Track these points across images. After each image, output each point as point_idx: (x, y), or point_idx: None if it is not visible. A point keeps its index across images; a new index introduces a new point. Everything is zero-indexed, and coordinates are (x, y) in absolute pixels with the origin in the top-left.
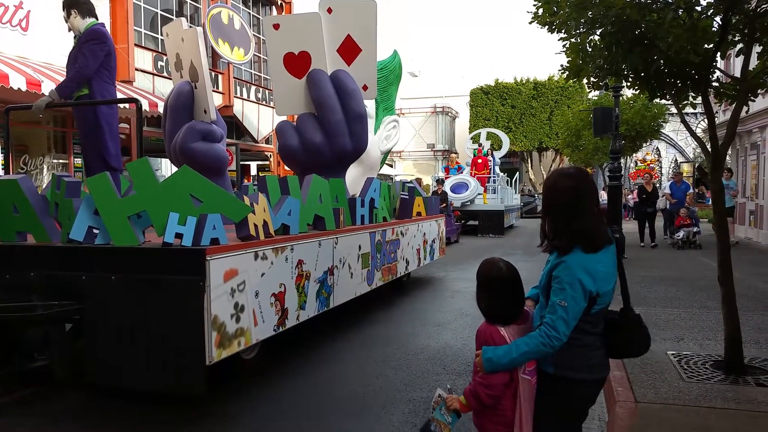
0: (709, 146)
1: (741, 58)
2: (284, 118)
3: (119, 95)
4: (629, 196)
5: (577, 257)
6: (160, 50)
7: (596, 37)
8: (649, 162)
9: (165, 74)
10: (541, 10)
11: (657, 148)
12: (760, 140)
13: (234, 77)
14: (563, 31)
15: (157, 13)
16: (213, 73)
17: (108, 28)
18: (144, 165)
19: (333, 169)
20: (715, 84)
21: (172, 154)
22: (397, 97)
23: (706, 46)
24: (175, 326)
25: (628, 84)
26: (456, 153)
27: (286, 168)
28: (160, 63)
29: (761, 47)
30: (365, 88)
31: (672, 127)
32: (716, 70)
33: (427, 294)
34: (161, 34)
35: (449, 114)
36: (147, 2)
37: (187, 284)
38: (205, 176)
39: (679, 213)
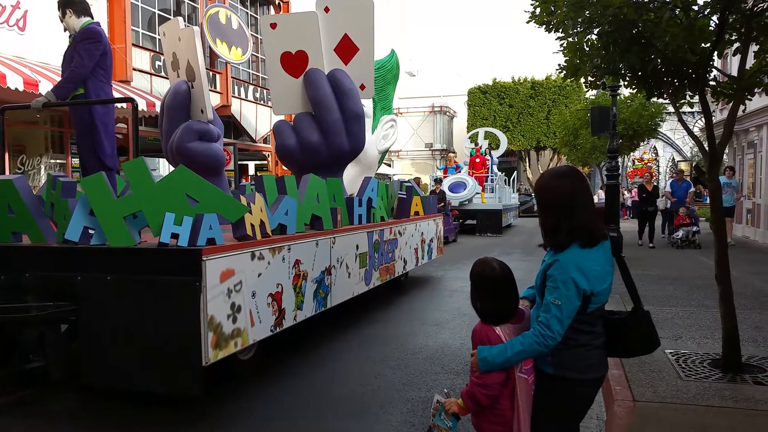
0: (706, 145)
1: (738, 57)
2: (282, 117)
3: (116, 95)
4: (626, 195)
5: (571, 255)
6: (157, 50)
7: (593, 37)
8: (646, 161)
9: (162, 74)
10: (538, 10)
11: (654, 147)
12: (757, 139)
13: (232, 77)
14: (561, 30)
15: (154, 12)
16: (211, 73)
17: (105, 27)
18: (140, 165)
19: (330, 169)
20: (712, 83)
21: (169, 154)
22: (394, 97)
23: (703, 45)
24: (171, 327)
25: (626, 83)
26: (454, 152)
27: (284, 168)
28: (157, 63)
29: (758, 46)
30: (362, 87)
31: (669, 126)
32: (713, 69)
33: (425, 293)
34: (159, 34)
35: (447, 113)
36: (144, 2)
37: (183, 285)
38: (202, 176)
39: (678, 212)
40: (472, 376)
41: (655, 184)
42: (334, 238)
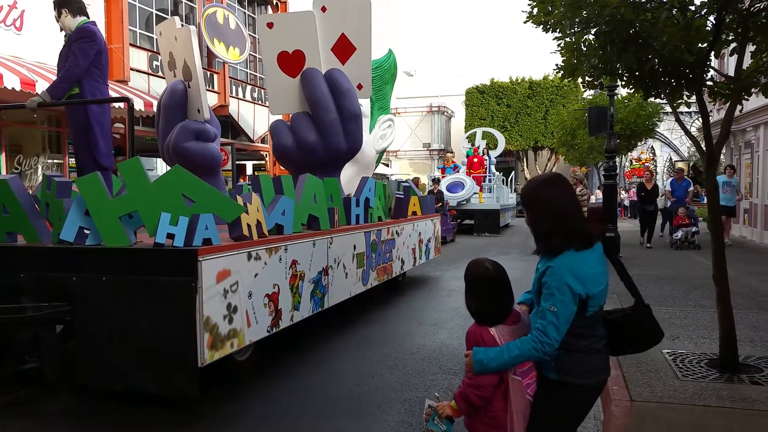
0: (703, 145)
1: (735, 57)
2: (280, 117)
3: (114, 95)
4: (624, 195)
5: (564, 260)
6: (155, 50)
7: (591, 37)
8: (644, 161)
9: (160, 74)
10: (536, 10)
11: (652, 147)
12: (754, 139)
13: (229, 77)
14: (558, 30)
15: (152, 12)
16: (208, 73)
17: (102, 27)
18: (135, 165)
19: (328, 169)
20: (709, 83)
21: (166, 154)
22: (392, 97)
23: (700, 45)
24: (166, 328)
25: (623, 83)
26: (452, 152)
27: (281, 168)
28: (155, 63)
29: (755, 46)
30: (360, 87)
31: (667, 126)
32: (710, 69)
33: (422, 293)
34: (155, 34)
35: (445, 113)
36: (142, 2)
37: (179, 285)
38: (199, 176)
39: (677, 212)
40: (465, 377)
41: (655, 182)
42: (332, 238)
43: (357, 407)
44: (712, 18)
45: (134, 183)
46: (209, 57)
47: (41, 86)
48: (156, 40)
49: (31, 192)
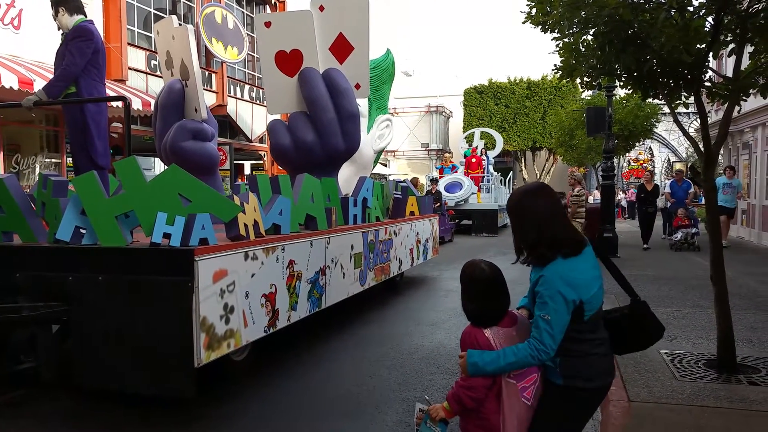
0: (701, 146)
1: (733, 58)
2: (278, 116)
3: (112, 94)
4: (621, 196)
5: (555, 269)
6: (153, 49)
7: (589, 37)
8: (642, 162)
9: (158, 73)
10: (534, 10)
11: (650, 147)
12: (752, 140)
13: (228, 76)
14: (556, 30)
15: (150, 12)
16: (207, 73)
17: (101, 26)
18: (131, 164)
19: (325, 168)
20: (707, 84)
21: (163, 153)
22: (390, 96)
23: (698, 46)
24: (163, 328)
25: (621, 84)
26: (450, 152)
27: (280, 167)
28: (153, 62)
29: (753, 47)
30: (358, 86)
31: (665, 127)
32: (708, 70)
33: (420, 293)
34: (154, 33)
35: (443, 113)
36: (140, 1)
37: (176, 285)
38: (196, 175)
39: (677, 213)
40: (459, 378)
41: (655, 183)
42: (329, 238)
43: (355, 407)
44: (710, 19)
45: (131, 182)
46: (207, 56)
47: (39, 85)
48: (154, 39)
49: (28, 191)
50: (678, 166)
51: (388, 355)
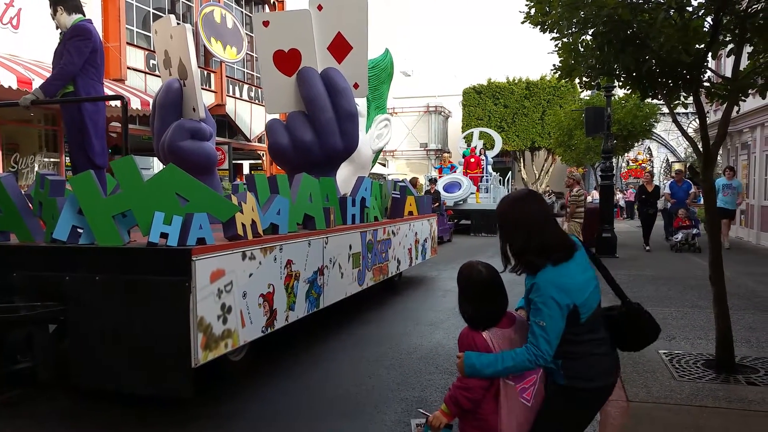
0: (700, 146)
1: (732, 58)
2: (276, 116)
3: (110, 93)
4: (619, 196)
5: (547, 275)
6: (152, 49)
7: (588, 37)
8: (640, 162)
9: (157, 73)
10: (533, 10)
11: (648, 147)
12: (751, 140)
13: (226, 76)
14: (555, 30)
15: (149, 11)
16: (205, 72)
17: (99, 26)
18: (129, 163)
19: (323, 168)
20: (706, 84)
21: (161, 153)
22: (389, 96)
23: (697, 46)
24: (160, 328)
25: (620, 84)
26: (449, 152)
27: (278, 167)
28: (152, 61)
29: (752, 47)
30: (356, 86)
31: (663, 127)
32: (707, 70)
33: (419, 293)
34: (152, 32)
35: (442, 113)
36: (139, 0)
37: (173, 285)
38: (194, 175)
39: (677, 214)
40: (456, 379)
41: (656, 184)
42: (327, 238)
43: (354, 407)
44: (709, 19)
45: (128, 182)
46: (206, 56)
47: (38, 85)
48: (152, 38)
49: (26, 190)
50: (677, 166)
51: (387, 354)
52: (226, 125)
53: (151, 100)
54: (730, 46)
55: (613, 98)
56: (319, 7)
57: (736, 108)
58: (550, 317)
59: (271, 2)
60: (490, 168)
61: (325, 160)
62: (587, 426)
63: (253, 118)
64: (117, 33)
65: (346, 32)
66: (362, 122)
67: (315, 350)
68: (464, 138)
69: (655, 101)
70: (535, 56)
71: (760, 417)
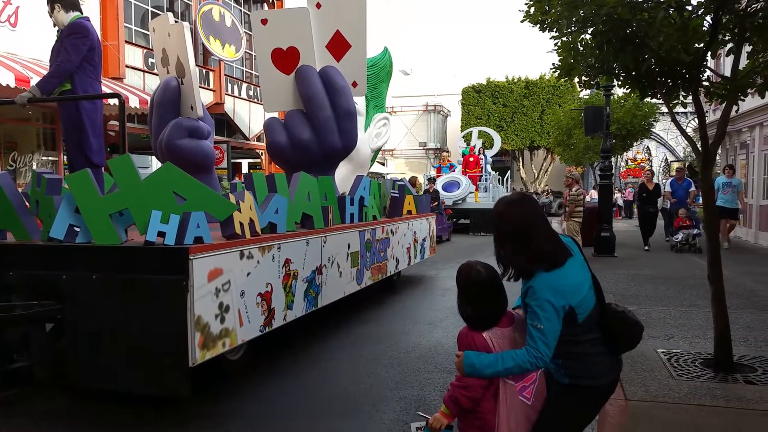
0: (699, 145)
1: (731, 57)
2: (275, 114)
3: (108, 92)
4: (618, 195)
5: (541, 279)
6: (150, 47)
7: (587, 36)
8: (639, 161)
9: (155, 71)
10: (532, 9)
11: (647, 147)
12: (750, 139)
13: (225, 74)
14: (555, 29)
15: (147, 9)
16: (204, 71)
17: (98, 24)
18: (126, 161)
19: (322, 167)
20: (705, 83)
21: (159, 151)
22: (388, 95)
23: (696, 45)
24: (157, 327)
25: (619, 83)
26: (448, 151)
27: (277, 166)
28: (150, 60)
29: (751, 47)
30: (355, 84)
31: (662, 126)
32: (707, 70)
33: (418, 292)
34: (150, 30)
35: (441, 112)
36: None
37: (170, 284)
38: (192, 174)
39: (678, 213)
40: (455, 378)
41: (656, 182)
42: (325, 237)
43: (352, 406)
44: (708, 18)
45: (125, 180)
46: (205, 54)
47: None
48: (150, 36)
49: (23, 189)
50: (676, 165)
51: (386, 353)
52: (225, 124)
53: (149, 99)
54: (730, 45)
55: (612, 97)
56: (318, 5)
57: (735, 107)
58: (547, 320)
59: (270, 0)
60: (489, 167)
61: (323, 158)
62: (588, 424)
63: (251, 117)
64: (115, 31)
65: (345, 30)
66: (361, 121)
67: (313, 349)
68: (463, 137)
69: (654, 100)
70: (534, 55)
71: (757, 416)
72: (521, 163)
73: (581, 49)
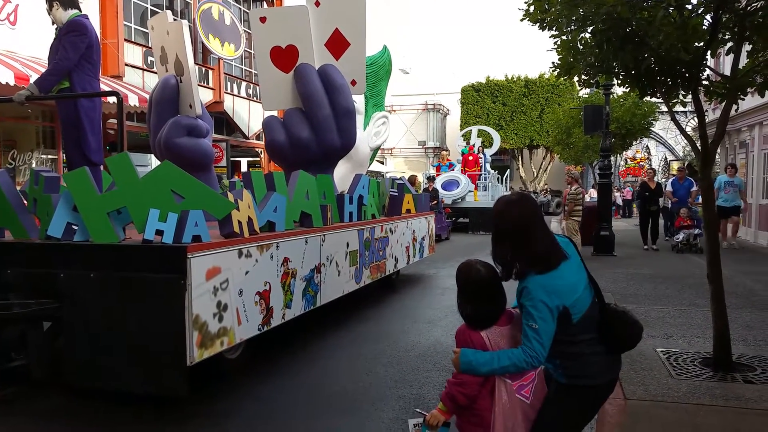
0: (698, 144)
1: (731, 56)
2: (274, 113)
3: (108, 90)
4: (617, 194)
5: (535, 279)
6: (150, 45)
7: (587, 35)
8: (638, 160)
9: (155, 69)
10: (532, 8)
11: (647, 146)
12: (749, 138)
13: (224, 73)
14: (554, 28)
15: (147, 8)
16: (203, 69)
17: (97, 22)
18: (124, 160)
19: (321, 165)
20: (705, 82)
21: (157, 150)
22: (387, 94)
23: (696, 44)
24: (155, 325)
25: (619, 82)
26: (447, 150)
27: (276, 164)
28: (150, 58)
29: (751, 46)
30: (354, 83)
31: (662, 125)
32: (706, 68)
33: (417, 291)
34: (148, 28)
35: (440, 111)
36: None
37: (168, 282)
38: (191, 172)
39: (679, 213)
40: (452, 376)
41: (658, 181)
42: (324, 235)
43: (351, 404)
44: (708, 17)
45: (123, 178)
46: (204, 53)
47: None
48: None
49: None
50: (676, 165)
51: (385, 352)
52: (224, 122)
53: (148, 97)
54: (729, 44)
55: (611, 96)
56: (317, 4)
57: (734, 106)
58: (542, 319)
59: None
60: (488, 166)
61: (322, 157)
62: (587, 423)
63: (251, 116)
64: (115, 29)
65: (344, 28)
66: (360, 119)
67: (312, 348)
68: (462, 136)
69: (653, 99)
70: (533, 54)
71: (756, 415)
72: (520, 162)
73: (581, 47)
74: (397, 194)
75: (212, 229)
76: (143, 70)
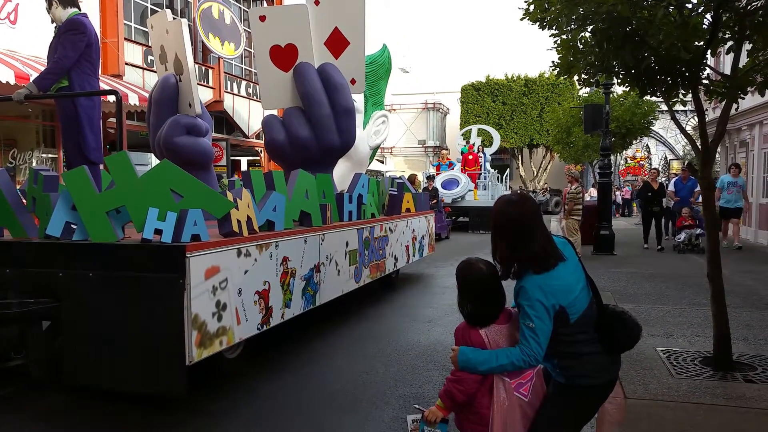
0: (699, 143)
1: (731, 55)
2: (274, 112)
3: (107, 89)
4: (617, 194)
5: (532, 279)
6: (149, 44)
7: (587, 34)
8: (638, 159)
9: (155, 68)
10: (532, 7)
11: (647, 145)
12: (749, 138)
13: (224, 72)
14: (554, 27)
15: (147, 7)
16: (203, 68)
17: (97, 21)
18: (123, 159)
19: (320, 165)
20: (705, 81)
21: (157, 149)
22: (387, 93)
23: (696, 43)
24: (154, 325)
25: (619, 81)
26: (447, 149)
27: (275, 163)
28: (150, 57)
29: (751, 45)
30: (353, 82)
31: (662, 125)
32: (706, 68)
33: (416, 290)
34: (148, 27)
35: (440, 110)
36: None
37: (167, 282)
38: (190, 171)
39: (681, 213)
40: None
41: (660, 181)
42: (324, 234)
43: (351, 403)
44: (708, 16)
45: (122, 177)
46: (204, 52)
47: None
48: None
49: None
50: (675, 164)
51: (384, 351)
52: (224, 121)
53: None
54: (730, 43)
55: (611, 95)
56: (317, 2)
57: (734, 105)
58: (538, 319)
59: None
60: (488, 165)
61: (321, 156)
62: (587, 422)
63: (251, 115)
64: (115, 28)
65: (344, 27)
66: (359, 118)
67: (311, 347)
68: (462, 135)
69: (653, 98)
70: (533, 53)
71: (757, 414)
72: (520, 161)
73: (581, 46)
74: (396, 193)
75: (211, 228)
76: (143, 69)
